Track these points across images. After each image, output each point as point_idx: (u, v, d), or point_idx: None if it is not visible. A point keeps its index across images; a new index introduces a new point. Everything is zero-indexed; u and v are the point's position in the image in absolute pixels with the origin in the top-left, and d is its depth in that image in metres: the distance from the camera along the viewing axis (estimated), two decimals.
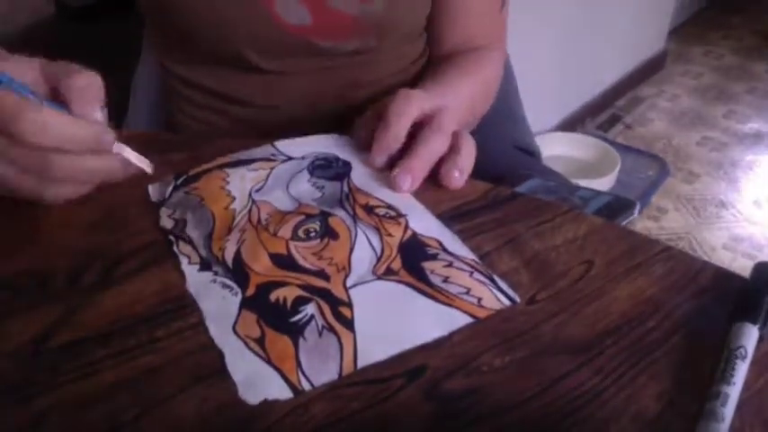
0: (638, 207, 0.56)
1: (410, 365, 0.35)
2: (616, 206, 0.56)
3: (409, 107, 0.49)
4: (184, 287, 0.39)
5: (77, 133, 0.42)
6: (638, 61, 2.50)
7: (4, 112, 0.40)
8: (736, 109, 2.42)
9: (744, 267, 0.58)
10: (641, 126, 2.32)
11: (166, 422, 0.32)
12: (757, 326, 0.36)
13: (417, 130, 0.49)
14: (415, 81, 0.71)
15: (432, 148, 0.47)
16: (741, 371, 0.33)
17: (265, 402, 0.33)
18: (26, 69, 0.45)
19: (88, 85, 0.45)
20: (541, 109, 2.05)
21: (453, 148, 0.48)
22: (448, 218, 0.45)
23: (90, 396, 0.33)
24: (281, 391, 0.33)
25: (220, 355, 0.35)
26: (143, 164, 0.47)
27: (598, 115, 2.34)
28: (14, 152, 0.41)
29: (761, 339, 0.36)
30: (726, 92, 2.53)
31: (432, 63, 0.74)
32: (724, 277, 0.41)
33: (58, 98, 0.45)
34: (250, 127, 0.70)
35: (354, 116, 0.55)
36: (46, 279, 0.40)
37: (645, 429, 0.32)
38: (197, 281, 0.40)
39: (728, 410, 0.32)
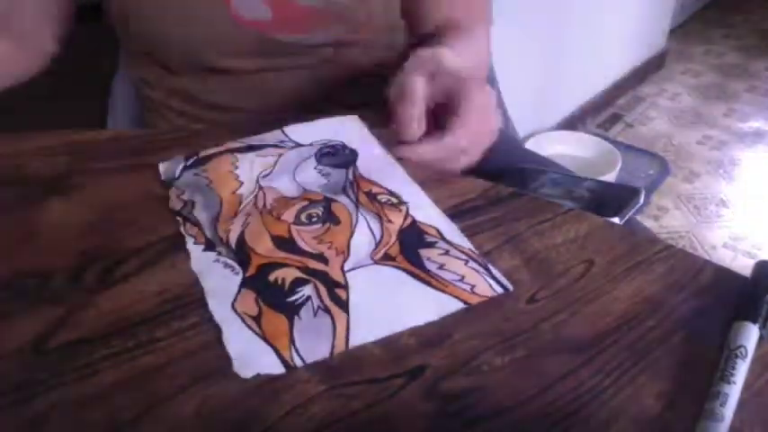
0: (643, 193, 0.57)
1: (410, 365, 0.35)
2: (624, 195, 0.57)
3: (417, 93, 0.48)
4: (184, 287, 0.39)
5: None
6: (639, 60, 2.50)
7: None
8: (737, 107, 2.42)
9: (744, 266, 0.58)
10: (642, 125, 2.32)
11: (166, 422, 0.32)
12: (757, 325, 0.36)
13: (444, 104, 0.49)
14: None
15: (449, 146, 0.49)
16: (741, 370, 0.33)
17: (265, 402, 0.33)
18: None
19: None
20: (542, 107, 2.05)
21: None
22: (448, 216, 0.45)
23: (90, 396, 0.33)
24: (273, 367, 0.34)
25: (218, 331, 0.36)
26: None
27: (599, 114, 2.34)
28: None
29: (761, 339, 0.36)
30: (726, 90, 2.53)
31: (421, 39, 0.71)
32: (724, 276, 0.41)
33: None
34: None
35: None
36: (46, 279, 0.40)
37: (645, 429, 0.32)
38: (201, 260, 0.41)
39: (728, 410, 0.32)
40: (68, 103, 0.74)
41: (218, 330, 0.36)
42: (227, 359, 0.35)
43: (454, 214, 0.46)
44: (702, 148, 2.19)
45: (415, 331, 0.37)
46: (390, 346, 0.36)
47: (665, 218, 1.88)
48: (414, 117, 0.48)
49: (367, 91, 0.61)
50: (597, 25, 2.10)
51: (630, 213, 0.55)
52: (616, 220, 0.53)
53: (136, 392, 0.33)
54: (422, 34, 0.73)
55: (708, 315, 0.38)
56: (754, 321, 0.36)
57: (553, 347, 0.36)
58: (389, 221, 0.44)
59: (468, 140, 0.49)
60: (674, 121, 2.34)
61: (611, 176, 1.89)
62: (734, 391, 0.32)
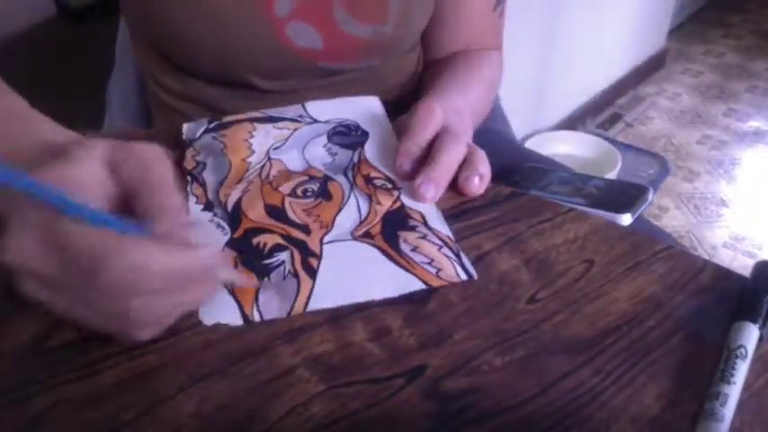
0: (651, 191, 0.57)
1: (410, 365, 0.35)
2: (633, 192, 0.57)
3: (432, 119, 0.50)
4: None
5: (175, 270, 0.33)
6: (639, 60, 2.49)
7: (82, 256, 0.31)
8: (737, 107, 2.41)
9: (744, 266, 0.58)
10: (642, 125, 2.31)
11: (166, 422, 0.32)
12: (757, 325, 0.36)
13: (435, 139, 0.49)
14: (415, 93, 0.71)
15: (452, 157, 0.48)
16: (741, 371, 0.33)
17: (265, 402, 0.33)
18: (88, 170, 0.33)
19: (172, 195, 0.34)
20: (542, 107, 2.05)
21: (470, 156, 0.49)
22: (448, 216, 0.45)
23: (90, 396, 0.33)
24: (233, 318, 0.37)
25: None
26: (250, 281, 0.40)
27: (599, 114, 2.34)
28: (95, 299, 0.32)
29: (761, 339, 0.36)
30: (726, 90, 2.53)
31: (433, 66, 0.74)
32: (724, 276, 0.41)
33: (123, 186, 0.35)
34: None
35: None
36: None
37: (645, 429, 0.32)
38: (197, 218, 0.45)
39: (728, 410, 0.32)
40: (68, 103, 0.74)
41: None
42: (227, 359, 0.35)
43: (454, 214, 0.46)
44: (702, 147, 2.19)
45: (414, 331, 0.37)
46: (390, 345, 0.36)
47: (665, 218, 1.88)
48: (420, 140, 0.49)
49: (389, 107, 0.61)
50: (597, 25, 2.10)
51: (641, 210, 0.55)
52: (628, 216, 0.53)
53: (136, 392, 0.33)
54: (436, 59, 0.74)
55: (708, 315, 0.38)
56: (754, 321, 0.36)
57: (553, 347, 0.36)
58: (379, 203, 0.46)
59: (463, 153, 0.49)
60: (673, 120, 2.34)
61: (611, 176, 1.89)
62: (734, 391, 0.32)
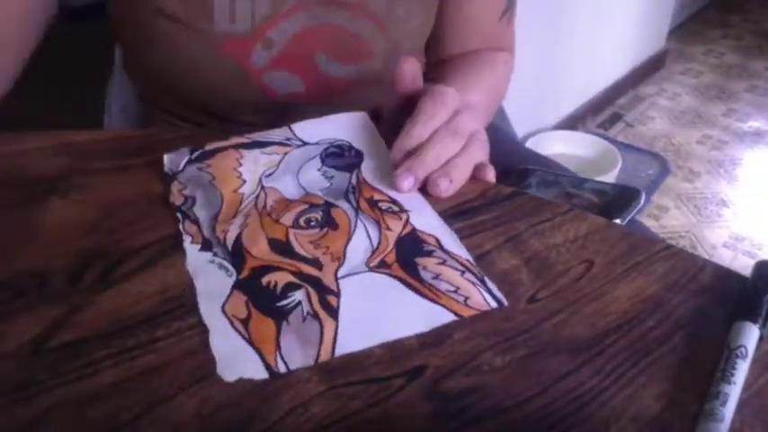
0: (643, 195, 0.57)
1: (410, 365, 0.35)
2: (625, 196, 0.57)
3: (443, 108, 0.48)
4: (184, 287, 0.39)
5: None
6: (639, 60, 2.50)
7: None
8: (737, 107, 2.42)
9: (744, 266, 0.58)
10: (642, 125, 2.32)
11: (166, 422, 0.32)
12: (757, 325, 0.36)
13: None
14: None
15: (442, 151, 0.46)
16: (741, 370, 0.33)
17: (265, 402, 0.33)
18: None
19: None
20: (542, 107, 2.05)
21: (455, 156, 0.47)
22: (448, 216, 0.45)
23: (90, 396, 0.33)
24: (257, 371, 0.34)
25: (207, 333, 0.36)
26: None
27: (599, 114, 2.34)
28: None
29: (761, 339, 0.36)
30: (726, 90, 2.53)
31: (439, 64, 0.73)
32: (724, 276, 0.41)
33: None
34: None
35: None
36: (46, 279, 0.40)
37: (645, 429, 0.32)
38: (196, 260, 0.41)
39: (728, 410, 0.32)
40: (67, 102, 0.74)
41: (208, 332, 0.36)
42: None
43: (454, 214, 0.46)
44: (702, 147, 2.19)
45: None
46: (390, 345, 0.36)
47: (665, 217, 1.88)
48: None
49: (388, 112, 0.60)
50: (597, 25, 2.10)
51: (632, 215, 0.55)
52: (617, 222, 0.53)
53: (136, 392, 0.33)
54: (439, 60, 0.72)
55: (708, 315, 0.38)
56: (754, 321, 0.36)
57: (553, 347, 0.36)
58: (388, 229, 0.43)
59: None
60: (674, 120, 2.34)
61: (611, 176, 1.89)
62: (734, 391, 0.32)
